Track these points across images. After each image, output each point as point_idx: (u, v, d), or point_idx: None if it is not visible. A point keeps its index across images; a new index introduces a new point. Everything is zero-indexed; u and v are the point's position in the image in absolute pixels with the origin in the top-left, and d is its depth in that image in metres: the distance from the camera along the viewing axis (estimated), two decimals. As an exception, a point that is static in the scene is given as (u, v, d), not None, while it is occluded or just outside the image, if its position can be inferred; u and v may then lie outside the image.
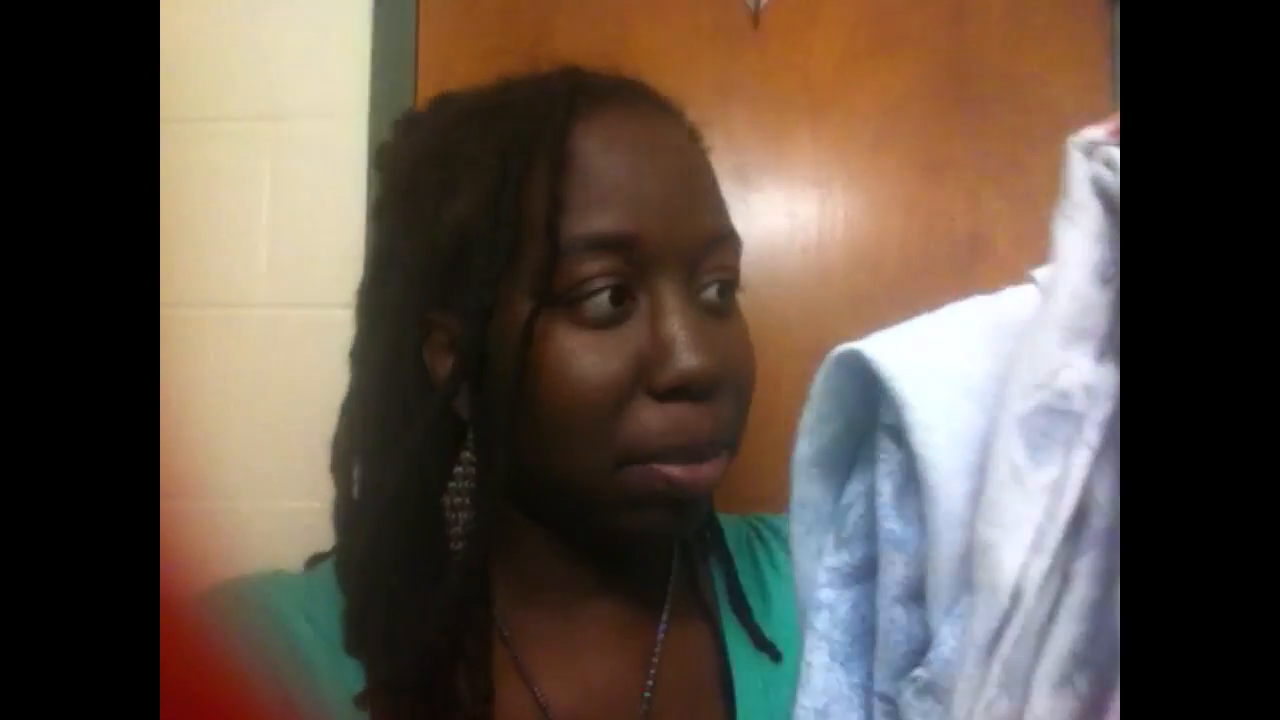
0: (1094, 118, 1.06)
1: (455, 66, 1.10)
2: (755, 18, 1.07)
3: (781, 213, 1.04)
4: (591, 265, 0.45)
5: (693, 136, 0.53)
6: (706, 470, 0.46)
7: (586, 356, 0.45)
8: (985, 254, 1.01)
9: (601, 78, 0.51)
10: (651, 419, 0.45)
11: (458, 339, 0.47)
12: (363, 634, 0.47)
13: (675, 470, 0.45)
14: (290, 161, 1.12)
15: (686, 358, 0.45)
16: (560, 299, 0.45)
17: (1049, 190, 1.13)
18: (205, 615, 0.47)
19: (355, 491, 0.50)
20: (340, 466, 0.51)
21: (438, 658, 0.46)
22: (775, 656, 0.52)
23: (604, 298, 0.45)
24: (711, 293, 0.48)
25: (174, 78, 1.13)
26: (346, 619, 0.48)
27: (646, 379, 0.45)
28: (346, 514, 0.51)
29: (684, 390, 0.45)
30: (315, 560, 0.55)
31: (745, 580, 0.56)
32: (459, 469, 0.49)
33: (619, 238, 0.45)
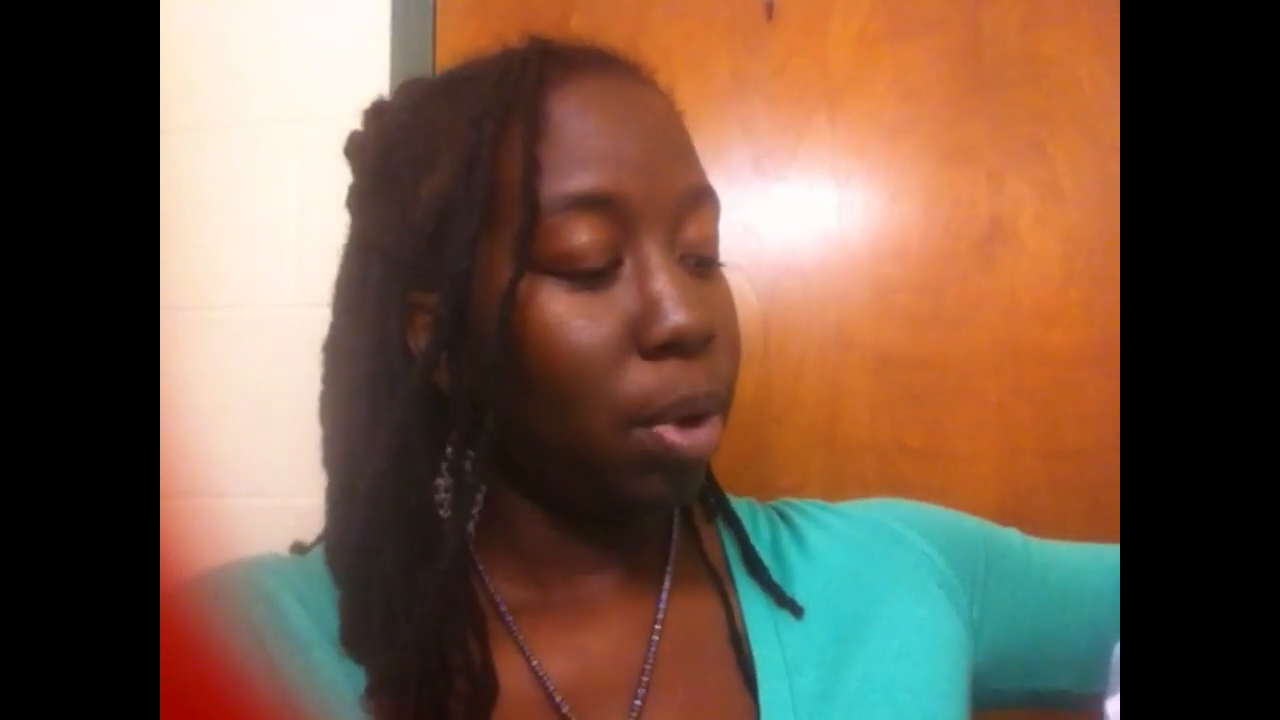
0: (1115, 98, 1.06)
1: (473, 65, 1.11)
2: (769, 9, 1.07)
3: (802, 202, 1.04)
4: (575, 226, 0.45)
5: (666, 98, 0.52)
6: (703, 434, 0.46)
7: (576, 320, 0.45)
8: (1008, 238, 1.01)
9: (570, 46, 0.51)
10: (647, 379, 0.45)
11: (438, 310, 0.48)
12: (359, 623, 0.47)
13: (673, 435, 0.45)
14: (315, 162, 1.14)
15: (677, 313, 0.44)
16: (546, 262, 0.45)
17: (1071, 173, 1.13)
18: (197, 598, 0.48)
19: (345, 479, 0.50)
20: (331, 460, 0.51)
21: (435, 637, 0.46)
22: (797, 613, 0.52)
23: (590, 259, 0.45)
24: (691, 263, 0.48)
25: (200, 85, 1.15)
26: (342, 608, 0.48)
27: (638, 338, 0.45)
28: (336, 501, 0.50)
29: (676, 346, 0.45)
30: (299, 548, 0.55)
31: (761, 554, 0.55)
32: (450, 449, 0.49)
33: (600, 196, 0.45)
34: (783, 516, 0.59)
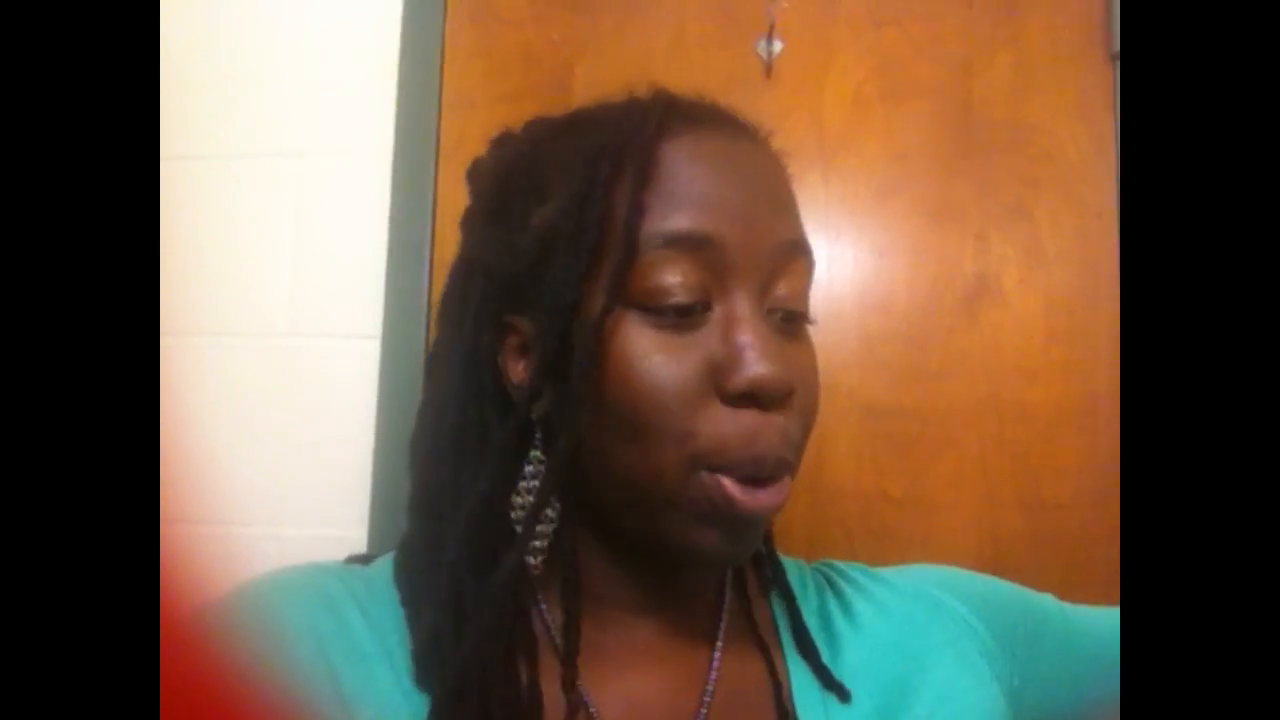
0: (1098, 165, 1.10)
1: (477, 108, 1.14)
2: (768, 67, 1.10)
3: (793, 254, 1.07)
4: (668, 264, 0.46)
5: (776, 158, 0.54)
6: (765, 496, 0.46)
7: (657, 356, 0.46)
8: (992, 296, 1.03)
9: (691, 100, 0.54)
10: (724, 423, 0.46)
11: (534, 339, 0.49)
12: (432, 643, 0.47)
13: (735, 489, 0.46)
14: (315, 197, 1.16)
15: (759, 364, 0.45)
16: (638, 298, 0.46)
17: (1054, 235, 1.16)
18: (262, 598, 0.48)
19: (426, 492, 0.52)
20: (417, 466, 0.53)
21: (484, 660, 0.46)
22: (844, 697, 0.52)
23: (679, 297, 0.46)
24: (778, 318, 0.49)
25: (204, 116, 1.17)
26: (415, 626, 0.49)
27: (718, 384, 0.46)
28: (418, 513, 0.52)
29: (754, 397, 0.46)
30: (360, 559, 0.56)
31: (810, 622, 0.56)
32: (529, 468, 0.50)
33: (695, 237, 0.46)
34: (830, 582, 0.60)
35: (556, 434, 0.48)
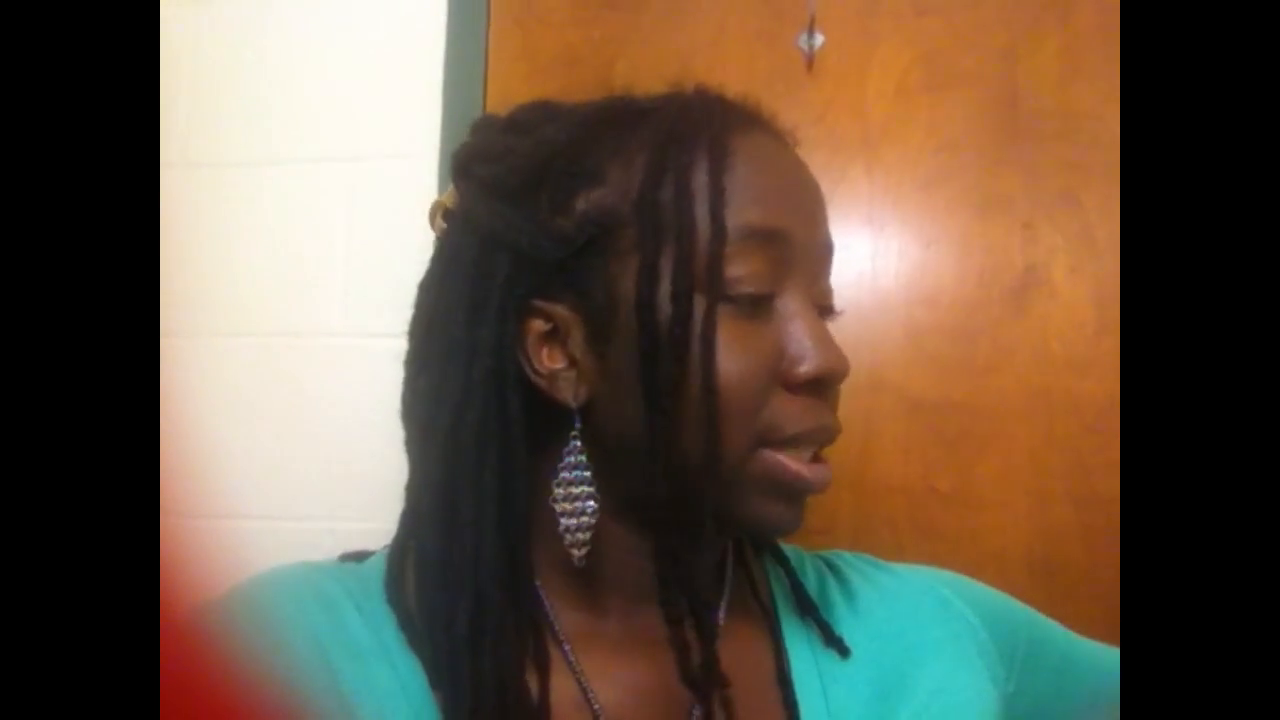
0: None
1: (521, 110, 1.15)
2: (810, 61, 1.10)
3: (837, 247, 1.05)
4: (746, 255, 0.47)
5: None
6: (823, 470, 0.49)
7: (736, 346, 0.47)
8: (1041, 286, 1.02)
9: (738, 100, 0.54)
10: (790, 407, 0.48)
11: (569, 325, 0.48)
12: (442, 645, 0.47)
13: (798, 464, 0.48)
14: (366, 200, 1.18)
15: (826, 354, 0.48)
16: (712, 288, 0.47)
17: (1104, 224, 1.13)
18: (256, 599, 0.48)
19: (439, 491, 0.49)
20: (429, 463, 0.50)
21: (508, 656, 0.46)
22: (844, 653, 0.53)
23: (756, 289, 0.47)
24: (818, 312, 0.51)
25: (258, 123, 1.21)
26: (402, 622, 0.49)
27: (783, 371, 0.48)
28: (434, 516, 0.49)
29: (817, 384, 0.49)
30: (355, 556, 0.55)
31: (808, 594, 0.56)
32: (570, 459, 0.49)
33: (770, 231, 0.48)
34: (831, 567, 0.60)
35: (607, 422, 0.48)
